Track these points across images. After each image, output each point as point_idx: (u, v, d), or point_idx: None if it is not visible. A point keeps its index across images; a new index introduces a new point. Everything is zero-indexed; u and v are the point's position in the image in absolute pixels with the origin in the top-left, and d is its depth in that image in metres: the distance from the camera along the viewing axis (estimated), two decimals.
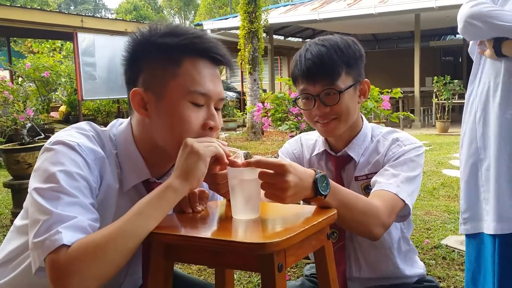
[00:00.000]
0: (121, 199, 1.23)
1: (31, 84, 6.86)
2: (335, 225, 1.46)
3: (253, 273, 3.05)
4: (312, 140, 1.69)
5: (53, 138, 1.18)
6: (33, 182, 1.10)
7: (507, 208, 1.83)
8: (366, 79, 1.56)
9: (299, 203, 1.37)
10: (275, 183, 1.12)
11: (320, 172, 1.21)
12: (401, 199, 1.39)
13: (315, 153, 1.64)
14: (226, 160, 1.16)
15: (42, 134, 5.64)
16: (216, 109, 1.25)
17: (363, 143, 1.57)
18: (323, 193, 1.18)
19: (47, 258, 0.99)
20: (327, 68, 1.45)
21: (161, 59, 1.19)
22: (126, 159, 1.26)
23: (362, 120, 1.61)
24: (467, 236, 2.05)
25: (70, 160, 1.12)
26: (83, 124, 1.26)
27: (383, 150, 1.54)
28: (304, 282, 1.73)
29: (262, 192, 1.15)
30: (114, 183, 1.22)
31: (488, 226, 1.89)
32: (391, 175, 1.44)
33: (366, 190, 1.52)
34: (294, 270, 3.08)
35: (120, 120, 1.34)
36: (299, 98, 1.56)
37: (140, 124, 1.26)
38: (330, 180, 1.23)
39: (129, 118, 1.32)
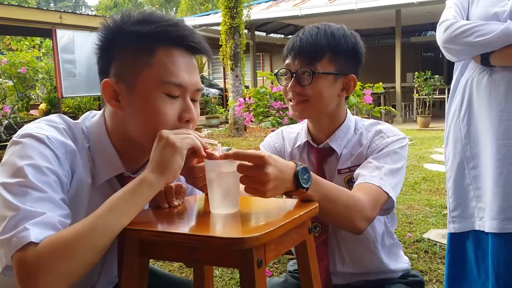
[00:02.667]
0: (94, 194, 1.18)
1: (7, 80, 6.73)
2: (317, 218, 1.43)
3: (235, 270, 3.01)
4: (294, 133, 1.65)
5: (21, 130, 1.12)
6: (0, 177, 1.04)
7: (505, 207, 1.80)
8: (353, 75, 1.51)
9: (280, 197, 1.33)
10: (254, 176, 1.07)
11: (301, 165, 1.17)
12: (384, 191, 1.36)
13: (297, 145, 1.61)
14: (203, 153, 1.11)
15: None
16: (193, 100, 1.20)
17: (346, 135, 1.53)
18: (304, 186, 1.15)
19: (14, 256, 0.94)
20: (310, 47, 1.44)
21: (133, 48, 1.14)
22: (99, 153, 1.20)
23: (346, 113, 1.58)
24: (451, 233, 2.03)
25: (39, 153, 1.06)
26: (53, 117, 1.20)
27: (366, 142, 1.51)
28: (287, 278, 1.70)
29: (242, 187, 1.11)
30: (86, 177, 1.17)
31: (484, 224, 1.87)
32: (375, 167, 1.41)
33: (349, 183, 1.49)
34: (277, 266, 3.05)
35: (93, 112, 1.29)
36: (280, 74, 1.54)
37: (113, 116, 1.20)
38: (312, 172, 1.19)
39: (102, 110, 1.26)
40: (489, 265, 1.85)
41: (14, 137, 1.11)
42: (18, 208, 0.97)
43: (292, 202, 1.19)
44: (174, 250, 1.02)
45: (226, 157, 1.08)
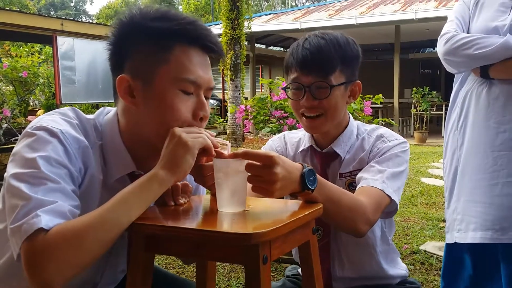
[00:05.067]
0: (105, 191, 1.18)
1: (7, 84, 6.73)
2: (320, 221, 1.44)
3: (232, 277, 3.01)
4: (296, 138, 1.67)
5: (36, 122, 1.12)
6: (12, 168, 1.04)
7: (500, 217, 1.81)
8: (358, 81, 1.54)
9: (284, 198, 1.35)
10: (262, 175, 1.09)
11: (308, 166, 1.19)
12: (387, 195, 1.38)
13: (300, 149, 1.62)
14: (213, 152, 1.12)
15: (19, 135, 5.54)
16: (205, 98, 1.21)
17: (349, 140, 1.56)
18: (310, 187, 1.16)
19: (23, 243, 0.94)
20: (323, 60, 1.44)
21: (150, 44, 1.15)
22: (111, 152, 1.21)
23: (349, 118, 1.60)
24: (447, 244, 2.05)
25: (52, 146, 1.07)
26: (67, 110, 1.20)
27: (368, 147, 1.53)
28: (285, 283, 1.71)
29: (249, 186, 1.12)
30: (98, 173, 1.18)
31: (465, 236, 1.89)
32: (377, 171, 1.43)
33: (350, 187, 1.51)
34: (274, 274, 3.05)
35: (107, 108, 1.29)
36: (289, 87, 1.54)
37: (126, 113, 1.20)
38: (317, 174, 1.21)
39: (115, 108, 1.26)
40: (501, 277, 1.85)
41: (28, 129, 1.11)
42: (30, 197, 0.98)
43: (296, 202, 1.20)
44: (180, 245, 1.03)
45: (235, 156, 1.09)
